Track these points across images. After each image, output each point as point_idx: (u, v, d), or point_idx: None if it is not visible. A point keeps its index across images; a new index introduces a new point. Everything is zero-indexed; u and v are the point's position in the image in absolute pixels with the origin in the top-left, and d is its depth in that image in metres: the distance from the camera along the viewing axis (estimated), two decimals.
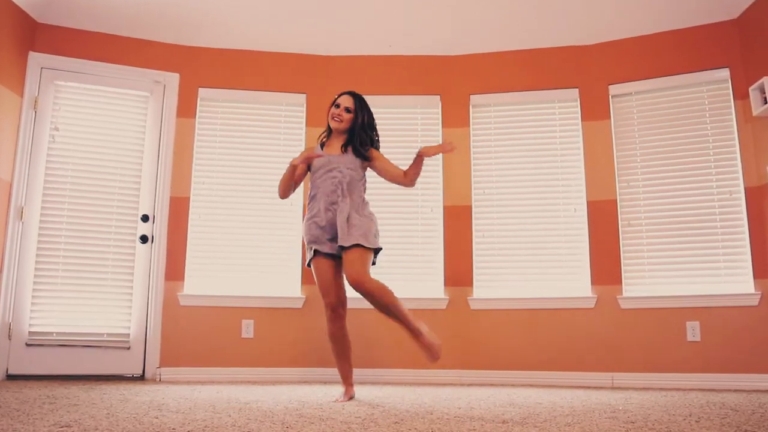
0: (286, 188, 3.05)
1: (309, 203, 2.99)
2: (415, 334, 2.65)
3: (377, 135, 3.09)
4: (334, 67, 4.25)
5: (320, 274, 2.90)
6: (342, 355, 2.95)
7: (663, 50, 3.93)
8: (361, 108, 3.02)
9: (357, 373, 3.79)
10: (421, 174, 4.07)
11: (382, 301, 2.68)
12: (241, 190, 4.09)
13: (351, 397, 2.90)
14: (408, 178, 2.93)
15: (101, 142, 3.94)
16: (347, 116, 3.00)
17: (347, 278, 2.75)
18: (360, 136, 2.98)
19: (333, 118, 3.01)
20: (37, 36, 3.87)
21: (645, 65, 3.95)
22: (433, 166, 4.15)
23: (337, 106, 3.02)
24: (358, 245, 2.76)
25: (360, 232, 2.80)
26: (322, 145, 3.10)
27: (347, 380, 2.96)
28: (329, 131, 3.11)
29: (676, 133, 3.88)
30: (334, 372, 3.79)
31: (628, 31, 3.98)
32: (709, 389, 3.43)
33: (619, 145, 3.98)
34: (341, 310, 2.91)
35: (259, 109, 4.20)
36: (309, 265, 2.96)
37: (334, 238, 2.86)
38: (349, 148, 2.98)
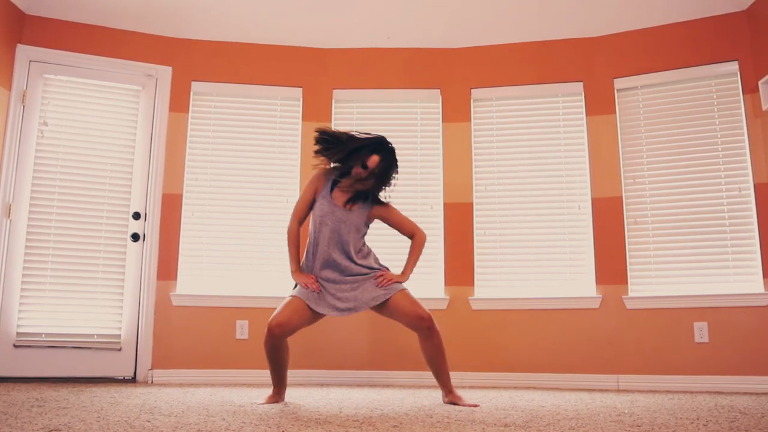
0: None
1: (311, 248, 2.82)
2: (450, 390, 2.74)
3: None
4: (331, 61, 4.19)
5: (293, 312, 2.67)
6: (275, 365, 2.74)
7: (670, 43, 3.88)
8: (387, 169, 2.80)
9: (357, 374, 3.80)
10: (421, 170, 4.13)
11: (439, 345, 2.70)
12: (235, 186, 4.04)
13: (277, 401, 2.76)
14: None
15: (91, 137, 3.88)
16: (370, 183, 2.79)
17: (419, 317, 2.65)
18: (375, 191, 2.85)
19: (357, 179, 2.78)
20: (26, 28, 3.81)
21: (651, 58, 3.90)
22: (433, 162, 4.12)
23: (365, 167, 2.77)
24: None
25: (389, 276, 2.77)
26: (334, 183, 2.86)
27: (277, 385, 2.80)
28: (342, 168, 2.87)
29: (683, 128, 3.82)
30: (331, 374, 3.81)
31: (634, 23, 3.93)
32: (718, 392, 3.39)
33: (624, 141, 3.92)
34: (279, 332, 2.64)
35: (254, 103, 4.15)
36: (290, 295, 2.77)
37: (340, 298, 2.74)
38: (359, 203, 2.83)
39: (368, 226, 2.88)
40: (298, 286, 2.79)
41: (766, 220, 3.54)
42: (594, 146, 3.93)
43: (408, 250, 2.91)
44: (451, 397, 2.74)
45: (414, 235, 2.92)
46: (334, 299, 2.73)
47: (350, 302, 2.72)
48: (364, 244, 2.85)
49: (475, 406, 2.65)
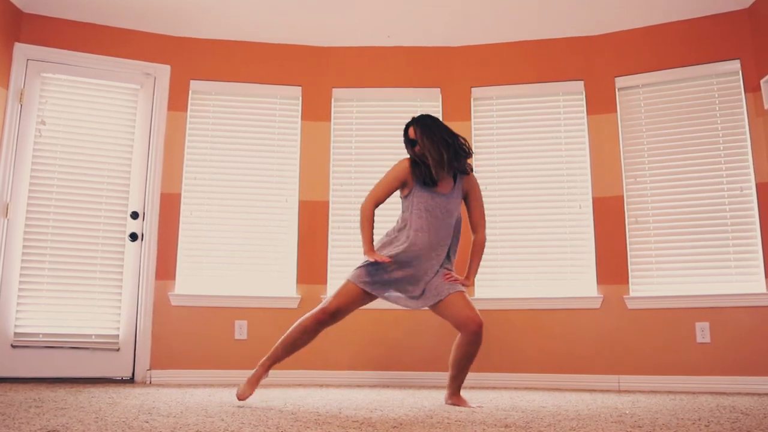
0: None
1: (400, 232, 2.74)
2: (458, 393, 2.75)
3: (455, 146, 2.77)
4: (330, 59, 4.18)
5: (349, 299, 2.69)
6: (291, 351, 2.74)
7: (671, 41, 3.86)
8: (424, 133, 2.74)
9: (355, 375, 3.78)
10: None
11: (476, 352, 2.67)
12: (234, 186, 4.02)
13: (258, 379, 2.73)
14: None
15: (89, 136, 3.86)
16: (431, 149, 2.71)
17: (471, 319, 2.59)
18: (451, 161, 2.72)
19: (422, 157, 2.73)
20: (23, 26, 3.79)
21: (653, 57, 3.88)
22: None
23: (413, 143, 2.77)
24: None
25: (456, 277, 2.75)
26: (430, 178, 2.71)
27: (265, 368, 2.74)
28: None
29: (684, 126, 3.81)
30: (330, 374, 3.79)
31: (635, 22, 3.91)
32: (720, 392, 3.38)
33: (625, 140, 3.90)
34: (331, 321, 2.69)
35: (253, 102, 4.13)
36: (351, 280, 2.71)
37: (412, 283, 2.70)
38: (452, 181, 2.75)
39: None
40: (355, 271, 2.72)
41: None
42: (595, 145, 3.91)
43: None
44: (455, 398, 2.73)
45: (478, 231, 2.86)
46: (403, 286, 2.71)
47: (417, 293, 2.69)
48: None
49: (479, 407, 2.65)
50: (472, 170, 2.85)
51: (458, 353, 2.68)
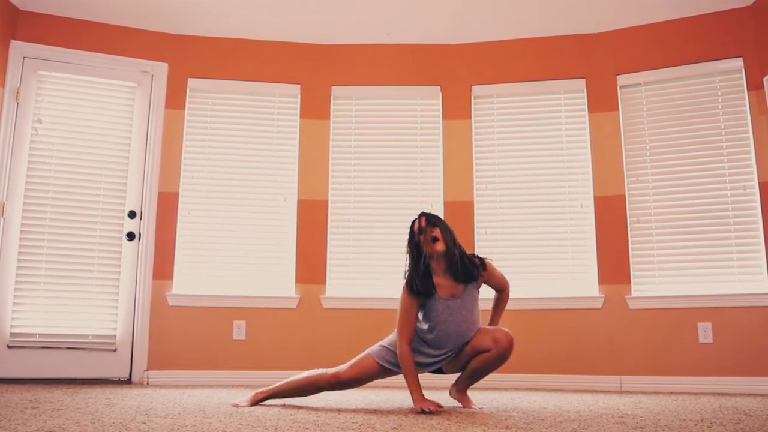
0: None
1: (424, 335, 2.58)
2: (465, 392, 2.72)
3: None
4: (329, 57, 4.16)
5: (366, 372, 2.59)
6: (297, 393, 2.68)
7: (674, 39, 3.85)
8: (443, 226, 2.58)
9: None
10: (421, 169, 4.09)
11: (499, 365, 2.59)
12: (232, 185, 4.01)
13: (256, 402, 2.66)
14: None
15: (86, 134, 3.84)
16: (438, 231, 2.53)
17: (504, 338, 2.49)
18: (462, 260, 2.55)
19: (428, 241, 2.51)
20: (19, 24, 3.77)
21: (655, 54, 3.87)
22: (433, 160, 4.08)
23: (421, 229, 2.55)
24: None
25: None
26: (425, 289, 2.52)
27: (265, 395, 2.69)
28: (420, 262, 2.55)
29: (687, 125, 3.79)
30: None
31: (637, 19, 3.89)
32: (722, 393, 3.36)
33: (627, 138, 3.88)
34: (338, 387, 2.61)
35: (252, 100, 4.11)
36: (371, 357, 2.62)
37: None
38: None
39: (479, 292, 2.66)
40: (378, 348, 2.62)
41: None
42: (596, 144, 3.89)
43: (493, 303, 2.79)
44: (461, 396, 2.69)
45: (504, 289, 2.73)
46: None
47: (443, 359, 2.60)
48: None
49: (479, 409, 2.62)
50: (485, 269, 2.62)
51: (482, 363, 2.56)
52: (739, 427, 2.11)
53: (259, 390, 2.72)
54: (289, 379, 2.70)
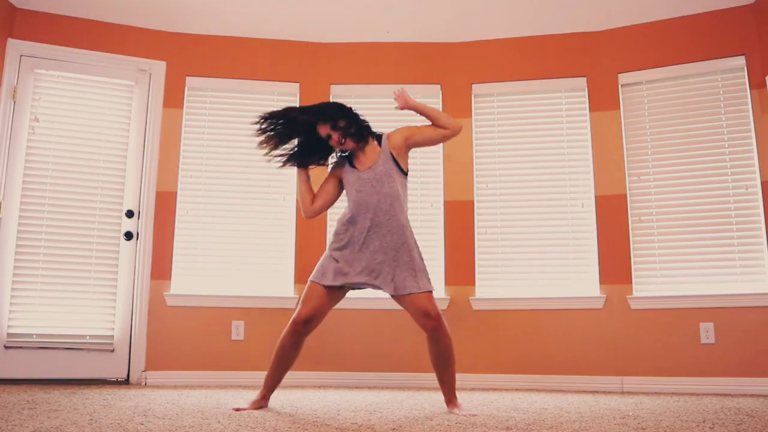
0: (306, 201, 2.69)
1: (340, 227, 2.60)
2: (451, 399, 2.57)
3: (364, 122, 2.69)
4: (328, 55, 4.15)
5: (318, 301, 2.55)
6: (280, 369, 2.63)
7: (675, 37, 3.83)
8: (336, 117, 2.60)
9: (354, 376, 3.76)
10: (421, 168, 4.06)
11: (444, 350, 2.52)
12: (231, 184, 3.99)
13: (261, 407, 2.60)
14: (440, 125, 2.67)
15: (84, 133, 3.82)
16: (337, 135, 2.59)
17: (427, 312, 2.46)
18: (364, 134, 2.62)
19: (336, 145, 2.61)
20: (16, 22, 3.75)
21: (656, 53, 3.85)
22: (433, 159, 4.07)
23: (328, 137, 2.61)
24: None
25: (425, 274, 2.54)
26: (351, 161, 2.65)
27: (267, 390, 2.65)
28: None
29: (689, 124, 3.77)
30: (327, 375, 3.76)
31: (639, 17, 3.88)
32: (724, 394, 3.36)
33: (629, 137, 3.87)
34: (304, 328, 2.56)
35: (250, 99, 4.09)
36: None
37: (370, 272, 2.53)
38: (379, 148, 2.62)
39: (402, 170, 2.64)
40: (314, 271, 2.62)
41: None
42: (598, 143, 3.88)
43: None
44: (449, 405, 2.57)
45: (438, 126, 2.69)
46: (366, 271, 2.53)
47: (381, 279, 2.52)
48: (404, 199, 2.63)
49: (473, 415, 2.46)
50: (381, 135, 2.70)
51: (431, 355, 2.55)
52: (741, 428, 2.12)
53: (253, 400, 2.62)
54: (268, 369, 2.63)
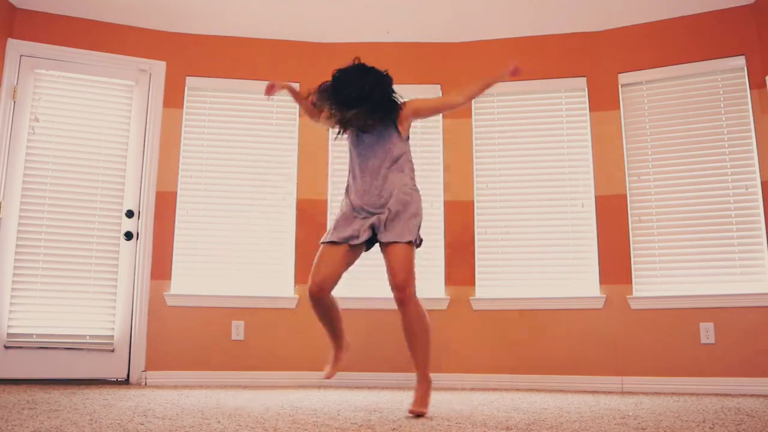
0: (315, 116, 2.83)
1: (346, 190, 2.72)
2: (424, 380, 2.50)
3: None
4: (328, 55, 4.14)
5: (327, 263, 2.58)
6: (333, 326, 2.70)
7: (675, 37, 3.83)
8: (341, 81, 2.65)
9: (354, 377, 3.74)
10: (421, 168, 3.99)
11: (410, 324, 2.49)
12: (231, 184, 3.99)
13: (339, 361, 2.72)
14: (465, 95, 2.78)
15: (84, 133, 3.82)
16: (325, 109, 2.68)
17: (392, 281, 2.49)
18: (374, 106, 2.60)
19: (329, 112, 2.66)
20: (16, 22, 3.74)
21: (656, 53, 3.85)
22: (432, 159, 4.05)
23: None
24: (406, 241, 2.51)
25: (406, 224, 2.53)
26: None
27: (337, 345, 2.74)
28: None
29: (689, 124, 3.76)
30: None
31: (639, 17, 3.87)
32: (724, 394, 3.35)
33: (629, 137, 3.86)
34: (319, 295, 2.59)
35: (250, 99, 4.08)
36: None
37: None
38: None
39: (404, 136, 2.69)
40: (325, 234, 2.67)
41: None
42: (598, 143, 3.87)
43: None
44: (418, 390, 2.48)
45: (457, 98, 2.81)
46: (366, 226, 2.57)
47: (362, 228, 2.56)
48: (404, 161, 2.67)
49: (421, 414, 2.40)
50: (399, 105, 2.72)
51: (406, 333, 2.53)
52: (741, 428, 2.12)
53: (331, 362, 2.72)
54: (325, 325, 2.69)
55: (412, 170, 2.70)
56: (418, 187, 2.69)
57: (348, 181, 2.73)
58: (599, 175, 3.84)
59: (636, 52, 3.88)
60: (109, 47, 3.88)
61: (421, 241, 2.65)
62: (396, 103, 2.70)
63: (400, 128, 2.68)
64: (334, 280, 2.59)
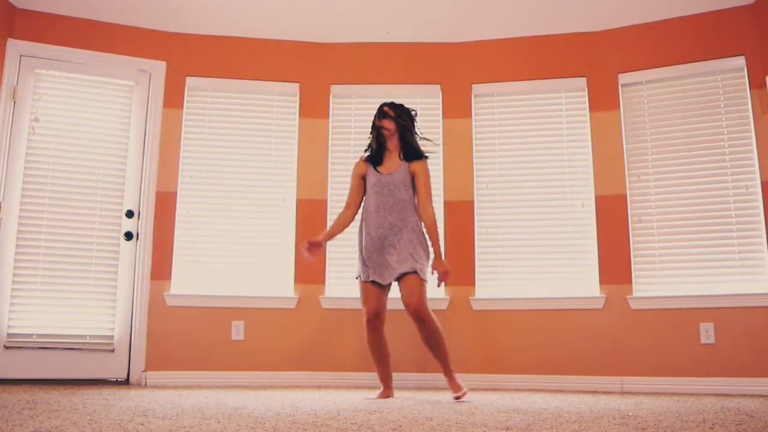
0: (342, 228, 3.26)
1: (361, 225, 3.15)
2: (450, 373, 3.02)
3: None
4: (328, 55, 4.14)
5: (372, 295, 3.05)
6: (379, 361, 3.12)
7: (675, 37, 3.82)
8: (400, 114, 3.16)
9: (354, 377, 3.75)
10: None
11: (429, 335, 2.97)
12: (231, 184, 3.99)
13: (387, 396, 3.06)
14: (431, 219, 3.10)
15: (84, 133, 3.82)
16: (389, 122, 3.14)
17: (406, 303, 2.93)
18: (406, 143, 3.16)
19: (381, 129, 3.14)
20: (16, 22, 3.74)
21: (656, 53, 3.84)
22: (433, 159, 4.03)
23: (381, 115, 3.16)
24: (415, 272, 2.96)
25: (416, 258, 3.00)
26: (375, 162, 3.16)
27: (385, 383, 3.12)
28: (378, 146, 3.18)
29: (689, 124, 3.76)
30: (327, 376, 3.77)
31: (639, 17, 3.87)
32: (724, 394, 3.35)
33: (629, 137, 3.86)
34: (377, 323, 3.04)
35: (250, 99, 4.09)
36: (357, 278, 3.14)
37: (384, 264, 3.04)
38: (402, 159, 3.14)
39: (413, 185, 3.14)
40: (357, 269, 3.13)
41: None
42: (598, 143, 3.87)
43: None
44: (449, 383, 3.02)
45: (422, 214, 3.08)
46: (387, 265, 3.02)
47: (390, 269, 3.01)
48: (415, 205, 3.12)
49: (462, 396, 2.92)
50: (425, 157, 3.17)
51: (423, 338, 3.00)
52: (741, 428, 2.10)
53: (380, 392, 3.09)
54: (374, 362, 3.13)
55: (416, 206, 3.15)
56: None
57: (364, 214, 3.20)
58: (599, 175, 3.84)
59: (636, 52, 3.88)
60: (109, 47, 3.88)
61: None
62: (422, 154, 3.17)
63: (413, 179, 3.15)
64: (384, 307, 3.08)
